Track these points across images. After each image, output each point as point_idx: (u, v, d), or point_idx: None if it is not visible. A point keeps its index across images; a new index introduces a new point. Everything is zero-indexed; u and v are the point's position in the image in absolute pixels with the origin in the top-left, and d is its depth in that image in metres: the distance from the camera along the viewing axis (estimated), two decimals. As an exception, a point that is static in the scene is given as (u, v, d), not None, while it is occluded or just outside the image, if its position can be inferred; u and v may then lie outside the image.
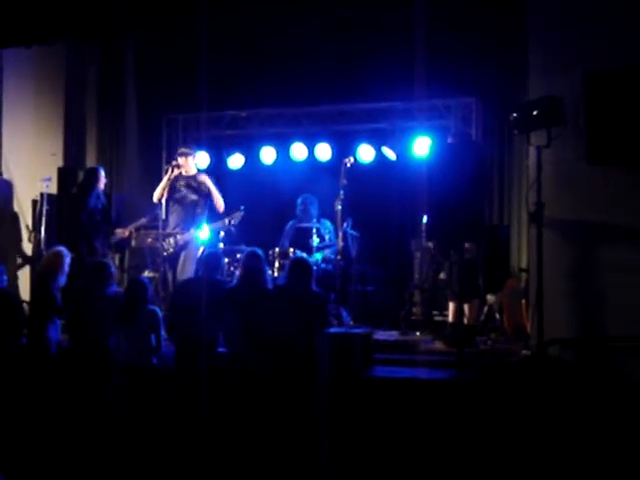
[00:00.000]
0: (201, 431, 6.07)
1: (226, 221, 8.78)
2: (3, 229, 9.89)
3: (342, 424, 6.11)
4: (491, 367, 6.77)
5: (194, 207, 8.79)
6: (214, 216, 8.90)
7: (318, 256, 8.95)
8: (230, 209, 8.89)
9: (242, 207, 8.83)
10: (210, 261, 7.09)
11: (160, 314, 6.82)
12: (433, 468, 5.93)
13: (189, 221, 8.75)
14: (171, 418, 6.35)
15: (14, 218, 10.09)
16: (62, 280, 7.34)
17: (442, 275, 8.16)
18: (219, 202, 8.82)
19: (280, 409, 6.11)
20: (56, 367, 6.96)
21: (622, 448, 5.73)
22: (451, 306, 7.74)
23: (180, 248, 8.63)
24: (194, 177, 8.90)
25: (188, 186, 8.80)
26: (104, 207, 8.96)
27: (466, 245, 7.25)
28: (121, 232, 9.08)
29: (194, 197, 8.81)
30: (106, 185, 9.14)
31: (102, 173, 9.00)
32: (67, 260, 7.40)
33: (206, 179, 8.86)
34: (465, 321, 7.43)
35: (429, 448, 5.99)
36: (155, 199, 8.82)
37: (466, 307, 7.45)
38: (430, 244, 8.31)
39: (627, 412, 5.89)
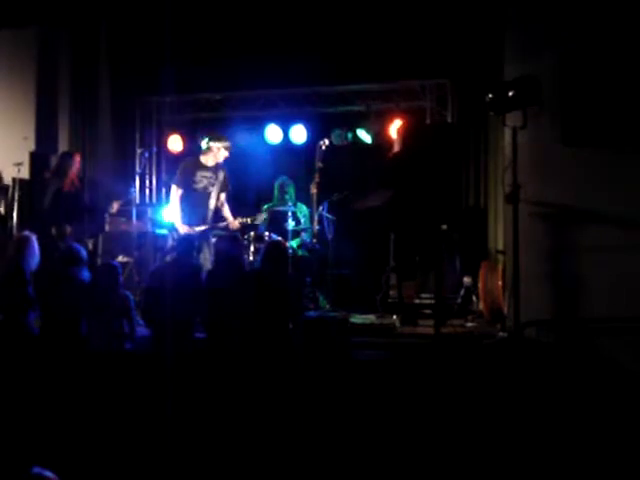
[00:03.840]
0: (176, 416, 6.03)
1: (249, 220, 8.61)
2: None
3: (320, 409, 6.09)
4: (468, 349, 6.76)
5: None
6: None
7: (293, 244, 8.88)
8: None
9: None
10: (182, 244, 7.05)
11: (132, 299, 6.75)
12: (410, 450, 5.92)
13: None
14: (146, 403, 6.29)
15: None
16: (33, 264, 7.20)
17: None
18: None
19: (256, 393, 6.08)
20: (39, 347, 6.87)
21: (599, 428, 5.75)
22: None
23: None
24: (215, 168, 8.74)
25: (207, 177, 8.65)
26: (78, 191, 8.87)
27: None
28: (117, 205, 8.98)
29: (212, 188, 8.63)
30: (79, 170, 9.04)
31: (77, 157, 8.93)
32: (34, 243, 7.23)
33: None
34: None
35: (407, 430, 5.99)
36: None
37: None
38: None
39: (603, 392, 5.92)
